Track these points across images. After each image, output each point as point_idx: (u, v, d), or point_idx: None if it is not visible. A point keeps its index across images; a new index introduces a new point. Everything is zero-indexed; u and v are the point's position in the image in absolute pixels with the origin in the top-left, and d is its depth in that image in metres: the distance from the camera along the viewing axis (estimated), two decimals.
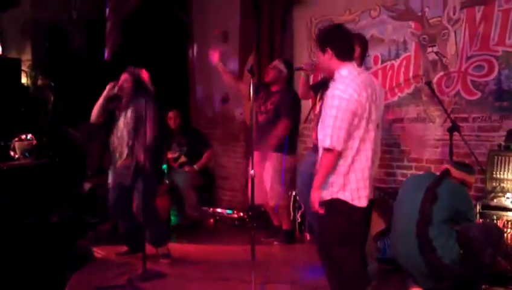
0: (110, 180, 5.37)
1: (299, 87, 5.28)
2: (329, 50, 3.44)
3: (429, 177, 4.00)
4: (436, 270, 3.73)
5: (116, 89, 5.13)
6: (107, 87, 5.14)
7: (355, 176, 3.39)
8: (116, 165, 5.22)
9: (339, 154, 3.34)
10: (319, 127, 3.52)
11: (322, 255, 3.66)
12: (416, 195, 3.88)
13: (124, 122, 5.17)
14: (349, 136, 3.33)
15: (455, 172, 3.95)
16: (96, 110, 5.18)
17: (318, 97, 5.23)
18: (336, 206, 3.40)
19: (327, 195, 3.42)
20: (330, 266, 3.59)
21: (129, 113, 5.14)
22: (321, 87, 5.19)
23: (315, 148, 5.12)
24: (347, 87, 3.31)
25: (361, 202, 3.42)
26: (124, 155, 5.16)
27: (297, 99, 5.61)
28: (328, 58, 3.47)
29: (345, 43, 3.48)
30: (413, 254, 3.79)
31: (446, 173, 3.97)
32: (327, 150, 3.32)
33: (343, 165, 3.37)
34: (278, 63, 5.95)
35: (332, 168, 3.36)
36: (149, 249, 5.06)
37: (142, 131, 4.99)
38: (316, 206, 3.42)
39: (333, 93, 3.33)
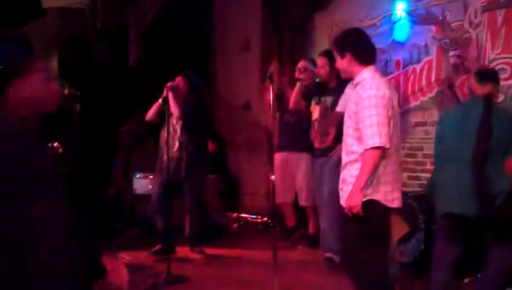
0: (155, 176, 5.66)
1: (292, 96, 5.43)
2: (348, 54, 3.44)
3: (473, 107, 3.78)
4: (487, 205, 3.58)
5: (168, 90, 5.38)
6: (165, 90, 5.40)
7: (389, 178, 3.37)
8: (163, 158, 5.39)
9: (384, 154, 3.28)
10: (345, 131, 3.52)
11: (349, 259, 3.62)
12: (464, 127, 3.73)
13: (176, 119, 5.46)
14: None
15: (494, 88, 3.83)
16: (154, 110, 5.54)
17: (314, 103, 5.26)
18: (368, 208, 3.30)
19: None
20: (358, 270, 3.53)
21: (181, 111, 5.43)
22: (316, 93, 5.25)
23: (318, 152, 5.18)
24: (379, 86, 3.33)
25: (395, 203, 3.41)
26: (175, 148, 5.44)
27: None
28: (347, 62, 3.47)
29: (364, 46, 3.50)
30: (464, 186, 3.64)
31: (490, 97, 3.76)
32: (375, 148, 3.23)
33: (383, 165, 3.32)
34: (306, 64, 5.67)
35: (376, 168, 3.28)
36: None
37: (192, 128, 5.44)
38: (357, 209, 3.28)
39: (368, 93, 3.30)
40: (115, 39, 8.29)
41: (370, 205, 3.32)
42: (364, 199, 3.31)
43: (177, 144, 5.48)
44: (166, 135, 5.30)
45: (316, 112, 5.24)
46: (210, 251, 5.70)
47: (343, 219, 3.55)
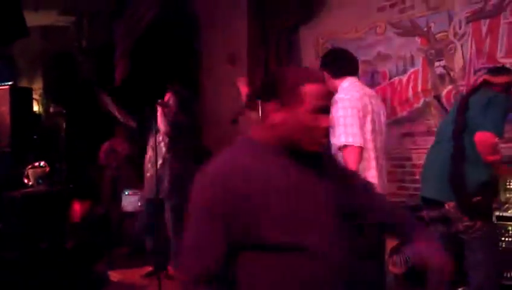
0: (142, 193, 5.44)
1: None
2: (325, 72, 3.67)
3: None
4: (456, 178, 3.55)
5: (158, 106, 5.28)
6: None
7: (377, 181, 3.47)
8: (147, 175, 5.29)
9: (361, 150, 3.39)
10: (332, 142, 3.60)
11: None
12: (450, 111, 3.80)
13: (163, 136, 5.33)
14: (362, 132, 3.42)
15: (495, 78, 3.73)
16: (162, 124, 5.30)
17: None
18: None
19: None
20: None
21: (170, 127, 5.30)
22: None
23: None
24: (348, 91, 3.55)
25: None
26: (159, 165, 5.23)
27: None
28: (327, 80, 3.63)
29: (337, 62, 3.73)
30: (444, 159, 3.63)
31: (483, 84, 3.74)
32: (345, 146, 3.37)
33: (361, 170, 3.42)
34: None
35: (359, 163, 3.38)
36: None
37: (179, 143, 5.29)
38: None
39: (337, 97, 3.52)
40: (101, 57, 8.28)
41: None
42: None
43: (160, 161, 5.35)
44: (151, 152, 5.26)
45: None
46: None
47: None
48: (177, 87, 5.54)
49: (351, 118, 3.41)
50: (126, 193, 6.49)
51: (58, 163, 7.10)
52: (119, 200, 6.57)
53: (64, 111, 7.99)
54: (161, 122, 5.28)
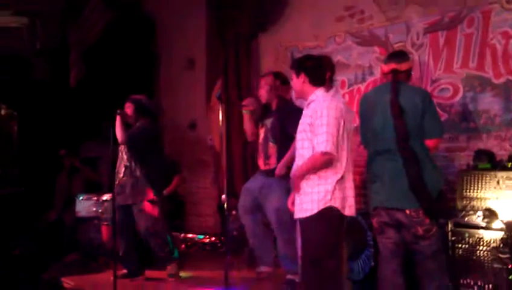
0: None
1: (245, 127, 5.20)
2: (303, 75, 3.70)
3: (385, 91, 3.83)
4: (418, 184, 3.62)
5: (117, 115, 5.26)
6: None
7: (345, 185, 3.56)
8: (115, 183, 5.32)
9: (331, 161, 3.48)
10: (300, 146, 3.64)
11: (310, 270, 3.61)
12: (380, 114, 3.79)
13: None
14: (338, 145, 3.51)
15: (402, 66, 3.83)
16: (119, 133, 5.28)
17: (260, 126, 5.17)
18: (327, 215, 3.48)
19: (320, 205, 3.50)
20: (317, 281, 3.56)
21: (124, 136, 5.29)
22: (261, 116, 5.15)
23: (263, 173, 5.08)
24: (331, 100, 3.58)
25: (350, 211, 3.60)
26: (121, 174, 5.31)
27: None
28: (301, 82, 3.72)
29: (319, 70, 3.73)
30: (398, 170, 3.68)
31: (396, 76, 3.81)
32: (323, 153, 3.45)
33: (335, 175, 3.53)
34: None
35: (316, 170, 3.51)
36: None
37: (143, 151, 5.28)
38: (298, 189, 3.54)
39: (321, 106, 3.55)
40: (56, 59, 8.13)
41: (329, 213, 3.49)
42: (324, 206, 3.49)
43: (123, 169, 5.35)
44: (117, 160, 5.32)
45: (261, 134, 5.17)
46: (157, 272, 5.53)
47: (301, 230, 3.64)
48: (135, 96, 5.50)
49: (332, 127, 3.47)
50: (80, 198, 6.36)
51: (10, 167, 6.93)
52: (74, 204, 6.42)
53: (16, 113, 7.81)
54: (118, 132, 5.24)
